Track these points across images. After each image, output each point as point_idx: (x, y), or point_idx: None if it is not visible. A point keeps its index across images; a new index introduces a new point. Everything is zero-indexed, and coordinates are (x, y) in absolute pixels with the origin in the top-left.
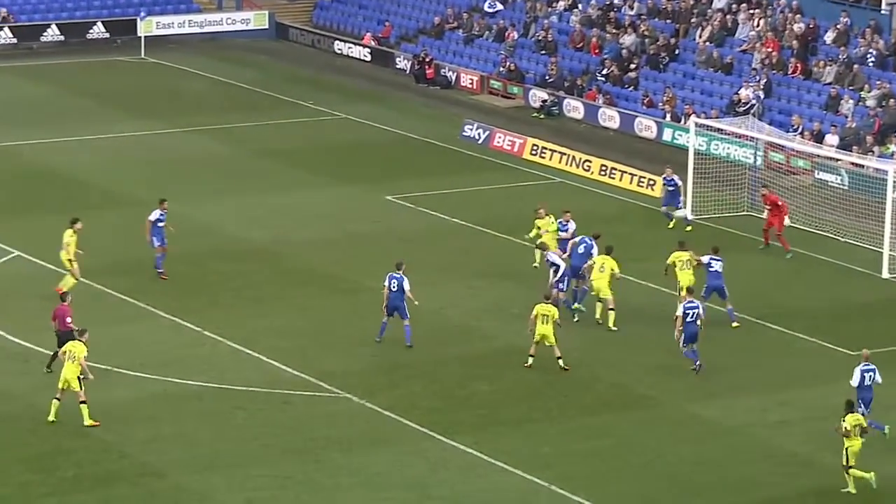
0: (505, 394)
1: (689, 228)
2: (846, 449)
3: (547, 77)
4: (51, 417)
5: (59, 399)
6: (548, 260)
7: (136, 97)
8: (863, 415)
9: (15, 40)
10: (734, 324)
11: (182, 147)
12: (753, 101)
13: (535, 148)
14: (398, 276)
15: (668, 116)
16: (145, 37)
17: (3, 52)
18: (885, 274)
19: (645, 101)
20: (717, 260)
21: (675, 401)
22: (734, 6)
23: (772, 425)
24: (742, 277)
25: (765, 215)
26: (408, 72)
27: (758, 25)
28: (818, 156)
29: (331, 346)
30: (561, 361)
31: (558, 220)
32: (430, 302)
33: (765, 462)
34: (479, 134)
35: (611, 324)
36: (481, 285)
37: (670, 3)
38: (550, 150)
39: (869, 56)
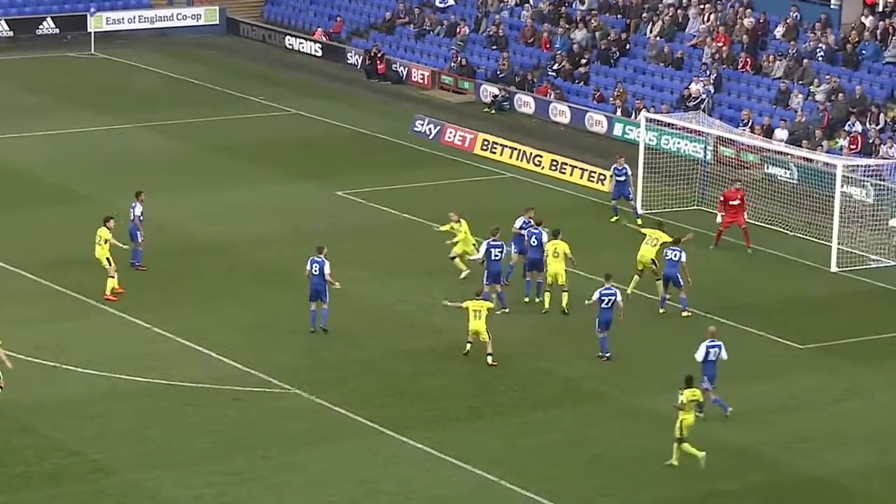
0: (456, 389)
1: (639, 222)
2: (680, 422)
3: (498, 72)
4: None
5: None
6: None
7: (86, 93)
8: (707, 390)
9: None
10: (684, 313)
11: (133, 143)
12: (704, 96)
13: (486, 143)
14: (319, 259)
15: (619, 111)
16: (95, 32)
17: None
18: (834, 268)
19: (596, 96)
20: (674, 249)
21: (624, 395)
22: (685, 1)
23: (721, 419)
24: (692, 272)
25: (720, 216)
26: (359, 67)
27: (708, 20)
28: (768, 150)
29: (281, 342)
30: (490, 358)
31: (521, 219)
32: (381, 297)
33: (713, 455)
34: (430, 129)
35: (565, 304)
36: (432, 281)
37: None
38: (501, 145)
39: (818, 51)
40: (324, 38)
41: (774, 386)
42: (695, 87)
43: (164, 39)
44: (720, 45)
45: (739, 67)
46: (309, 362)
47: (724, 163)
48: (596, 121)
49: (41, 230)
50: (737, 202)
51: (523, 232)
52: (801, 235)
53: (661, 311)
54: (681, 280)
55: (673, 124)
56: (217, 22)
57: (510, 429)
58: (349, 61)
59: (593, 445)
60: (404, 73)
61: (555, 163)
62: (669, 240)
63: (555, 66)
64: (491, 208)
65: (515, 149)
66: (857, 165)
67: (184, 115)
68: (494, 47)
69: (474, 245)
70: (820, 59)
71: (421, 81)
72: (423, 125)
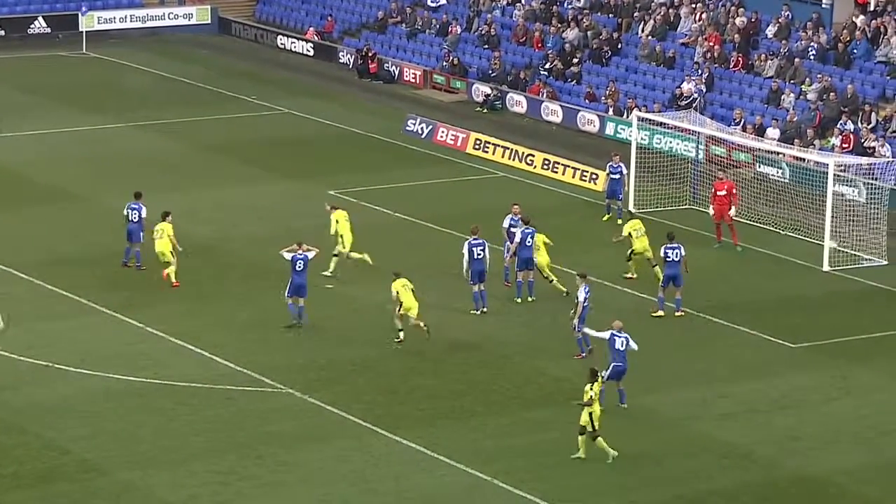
0: (448, 388)
1: (619, 222)
2: (590, 414)
3: (490, 71)
4: None
5: None
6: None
7: (78, 92)
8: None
9: None
10: (678, 313)
11: (125, 142)
12: (695, 95)
13: (478, 142)
14: (302, 255)
15: (611, 110)
16: (87, 32)
17: None
18: (826, 267)
19: (587, 96)
20: (673, 248)
21: (616, 394)
22: (676, 1)
23: (713, 418)
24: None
25: (711, 208)
26: (351, 66)
27: (700, 19)
28: (759, 149)
29: (273, 342)
30: (424, 325)
31: (508, 217)
32: (372, 297)
33: (705, 454)
34: (422, 128)
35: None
36: (424, 280)
37: None
38: (493, 144)
39: (810, 50)
40: (315, 38)
41: (766, 385)
42: (687, 87)
43: (155, 39)
44: (712, 44)
45: (731, 66)
46: (301, 361)
47: (715, 162)
48: (588, 120)
49: (32, 229)
50: (723, 192)
51: (514, 230)
52: (792, 234)
53: (660, 313)
54: (681, 279)
55: (665, 123)
56: (209, 21)
57: (503, 428)
58: (341, 61)
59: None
60: (396, 73)
61: (547, 162)
62: (639, 223)
63: (547, 66)
64: (483, 207)
65: (508, 148)
66: (849, 164)
67: (176, 114)
68: (486, 46)
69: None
70: (812, 58)
71: (413, 81)
72: (415, 124)
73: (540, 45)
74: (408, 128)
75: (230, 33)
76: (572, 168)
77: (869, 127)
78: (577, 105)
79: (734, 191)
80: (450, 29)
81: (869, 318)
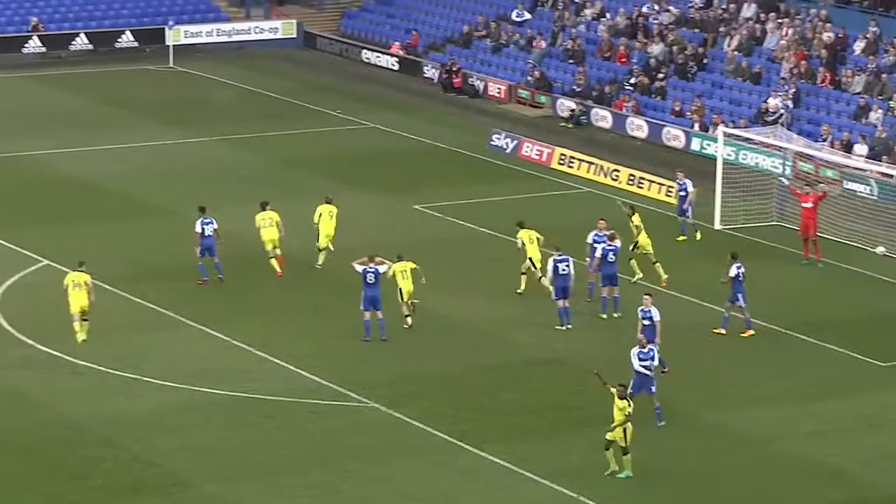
0: (533, 403)
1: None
2: (623, 430)
3: (575, 86)
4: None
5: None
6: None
7: (165, 106)
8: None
9: (44, 49)
10: (748, 332)
11: (210, 156)
12: (782, 111)
13: (563, 157)
14: (373, 269)
15: (697, 126)
16: (173, 46)
17: (32, 60)
18: None
19: (673, 111)
20: (737, 266)
21: (695, 410)
22: (762, 15)
23: (800, 436)
24: (770, 288)
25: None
26: (435, 81)
27: (786, 35)
28: (847, 166)
29: (358, 355)
30: (411, 310)
31: (593, 233)
32: (457, 311)
33: (792, 473)
34: (507, 143)
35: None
36: (509, 295)
37: (698, 12)
38: (578, 159)
39: None
40: (400, 52)
41: (855, 404)
42: (773, 102)
43: (241, 53)
44: (798, 59)
45: (818, 82)
46: (386, 376)
47: (802, 178)
48: (673, 135)
49: (120, 242)
50: (809, 204)
51: (597, 246)
52: (880, 252)
53: (722, 331)
54: (745, 298)
55: (751, 139)
56: (294, 35)
57: (588, 444)
58: (426, 75)
59: (666, 461)
60: (481, 87)
61: (632, 177)
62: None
63: (632, 81)
64: (568, 223)
65: (592, 163)
66: None
67: (261, 128)
68: (571, 61)
69: None
70: None
71: (497, 95)
72: (500, 139)
73: (625, 60)
74: (493, 142)
75: (315, 47)
76: (657, 184)
77: None
78: (663, 120)
79: (819, 202)
80: (534, 44)
81: None
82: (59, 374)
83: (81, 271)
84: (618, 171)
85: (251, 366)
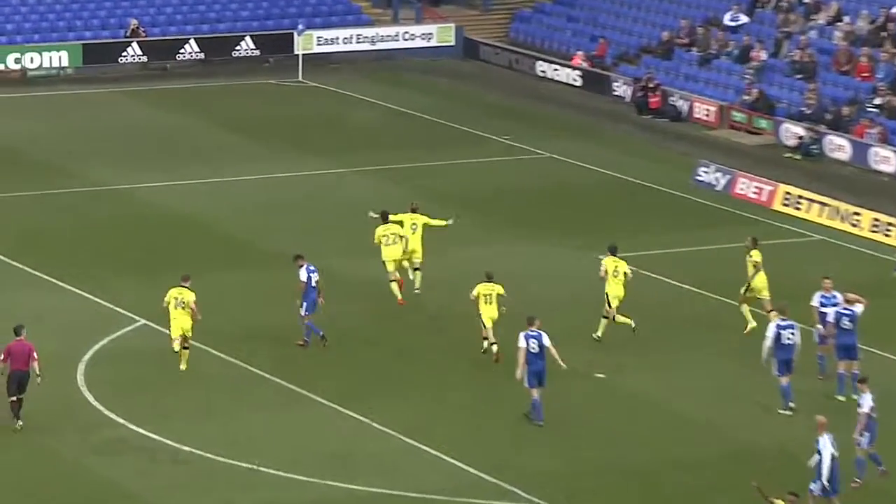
0: None
1: None
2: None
3: (804, 108)
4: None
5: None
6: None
7: (290, 129)
8: None
9: (145, 58)
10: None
11: (348, 191)
12: None
13: (788, 197)
14: (535, 333)
15: None
16: (303, 55)
17: (131, 72)
18: None
19: None
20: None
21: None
22: None
23: None
24: None
25: None
26: (628, 100)
27: None
28: None
29: (525, 441)
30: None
31: (818, 294)
32: (654, 390)
33: None
34: (716, 178)
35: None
36: (724, 367)
37: None
38: (808, 199)
39: None
40: (584, 64)
41: None
42: None
43: (387, 64)
44: None
45: None
46: (557, 467)
47: None
48: None
49: (232, 297)
50: None
51: (825, 310)
52: None
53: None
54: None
55: None
56: (452, 43)
57: None
58: (615, 93)
59: None
60: (685, 109)
61: (877, 223)
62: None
63: (876, 101)
64: (795, 279)
65: (826, 204)
66: None
67: (410, 157)
68: (799, 76)
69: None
70: None
71: (706, 118)
72: (708, 173)
73: (867, 74)
74: (699, 177)
75: (478, 58)
76: None
77: None
78: None
79: None
80: (752, 54)
81: None
82: (157, 463)
83: (186, 287)
84: (858, 214)
85: (393, 454)
